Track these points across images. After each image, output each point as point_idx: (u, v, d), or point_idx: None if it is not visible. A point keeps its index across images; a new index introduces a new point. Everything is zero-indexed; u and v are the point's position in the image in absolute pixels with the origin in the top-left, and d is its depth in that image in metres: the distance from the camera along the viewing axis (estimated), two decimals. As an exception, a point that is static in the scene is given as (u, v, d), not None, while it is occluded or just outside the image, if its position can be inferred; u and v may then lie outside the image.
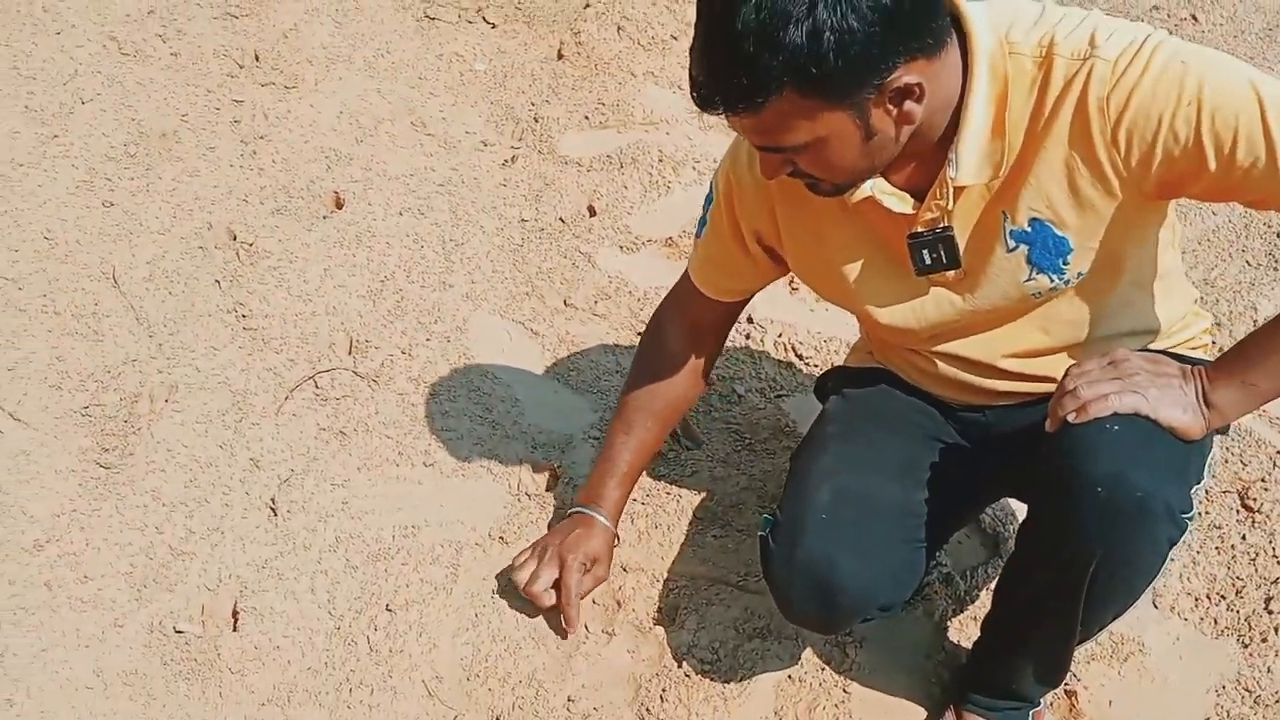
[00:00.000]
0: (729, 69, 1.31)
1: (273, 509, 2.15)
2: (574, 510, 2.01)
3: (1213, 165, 1.34)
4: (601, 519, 1.97)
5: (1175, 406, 1.42)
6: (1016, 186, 1.46)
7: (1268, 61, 3.23)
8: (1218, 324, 2.47)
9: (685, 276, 1.92)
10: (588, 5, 3.55)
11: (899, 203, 1.51)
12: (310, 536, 2.11)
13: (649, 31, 3.46)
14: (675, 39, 3.48)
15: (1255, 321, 2.46)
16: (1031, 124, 1.43)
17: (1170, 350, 1.67)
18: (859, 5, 1.26)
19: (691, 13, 3.56)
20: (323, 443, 2.29)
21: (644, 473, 2.13)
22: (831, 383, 1.95)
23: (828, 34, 1.26)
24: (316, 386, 2.40)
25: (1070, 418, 1.42)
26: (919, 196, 1.51)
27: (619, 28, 3.47)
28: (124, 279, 2.58)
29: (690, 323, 1.95)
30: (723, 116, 1.38)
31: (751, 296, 1.92)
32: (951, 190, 1.47)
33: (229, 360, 2.43)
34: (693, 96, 1.38)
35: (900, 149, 1.43)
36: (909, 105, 1.36)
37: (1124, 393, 1.41)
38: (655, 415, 1.99)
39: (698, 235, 1.85)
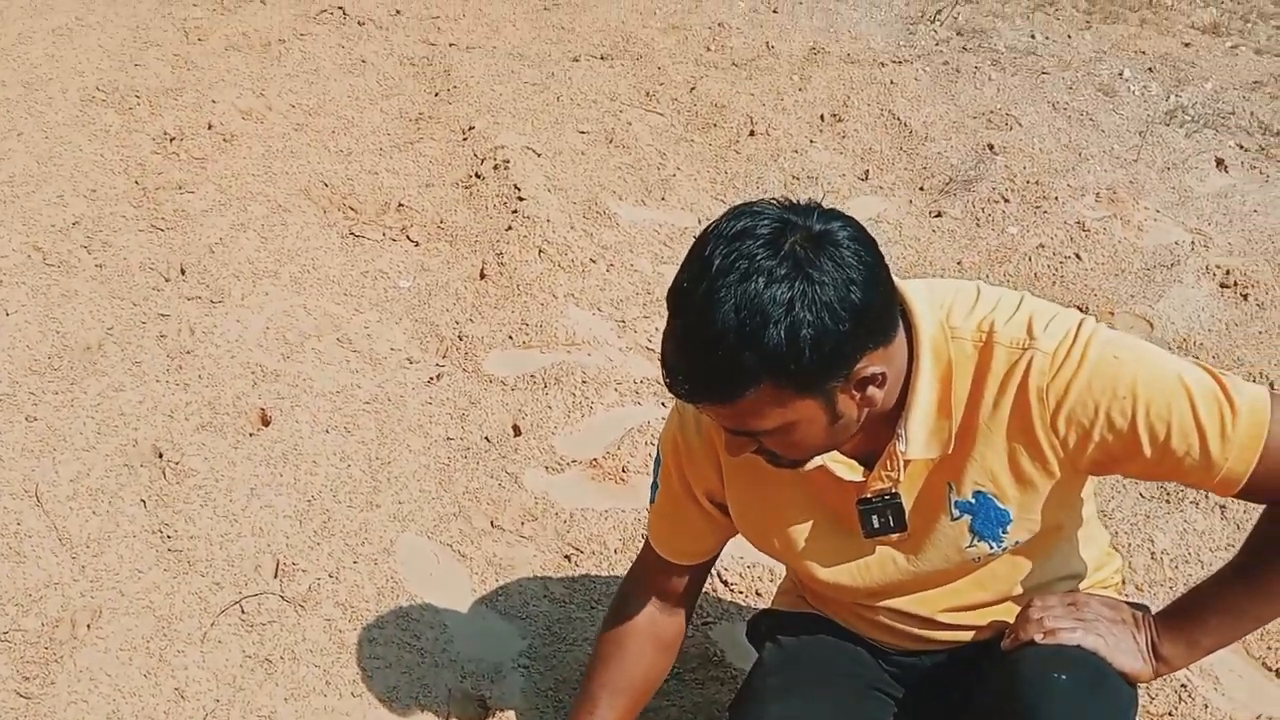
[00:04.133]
0: (707, 365, 1.36)
1: (198, 742, 2.11)
2: None
3: (1148, 452, 1.45)
4: None
5: (1129, 654, 1.56)
6: (962, 460, 1.54)
7: (1147, 299, 3.47)
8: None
9: (646, 547, 1.89)
10: (509, 228, 3.69)
11: (849, 471, 1.57)
12: (237, 772, 2.07)
13: (569, 254, 3.60)
14: (594, 262, 3.62)
15: (1152, 554, 2.59)
16: (974, 405, 1.51)
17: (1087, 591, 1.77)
18: (833, 305, 1.33)
19: (608, 238, 3.78)
20: (249, 671, 2.26)
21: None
22: (765, 627, 1.95)
23: (805, 331, 1.32)
24: (243, 611, 2.37)
25: (1038, 638, 1.56)
26: (867, 464, 1.58)
27: (540, 250, 3.60)
28: (46, 497, 2.55)
29: (655, 593, 1.89)
30: (697, 405, 1.44)
31: (715, 558, 1.89)
32: (901, 463, 1.55)
33: (154, 583, 2.40)
34: (665, 382, 1.42)
35: (859, 427, 1.50)
36: (871, 390, 1.43)
37: (1086, 633, 1.55)
38: (621, 692, 1.86)
39: (651, 501, 1.84)
